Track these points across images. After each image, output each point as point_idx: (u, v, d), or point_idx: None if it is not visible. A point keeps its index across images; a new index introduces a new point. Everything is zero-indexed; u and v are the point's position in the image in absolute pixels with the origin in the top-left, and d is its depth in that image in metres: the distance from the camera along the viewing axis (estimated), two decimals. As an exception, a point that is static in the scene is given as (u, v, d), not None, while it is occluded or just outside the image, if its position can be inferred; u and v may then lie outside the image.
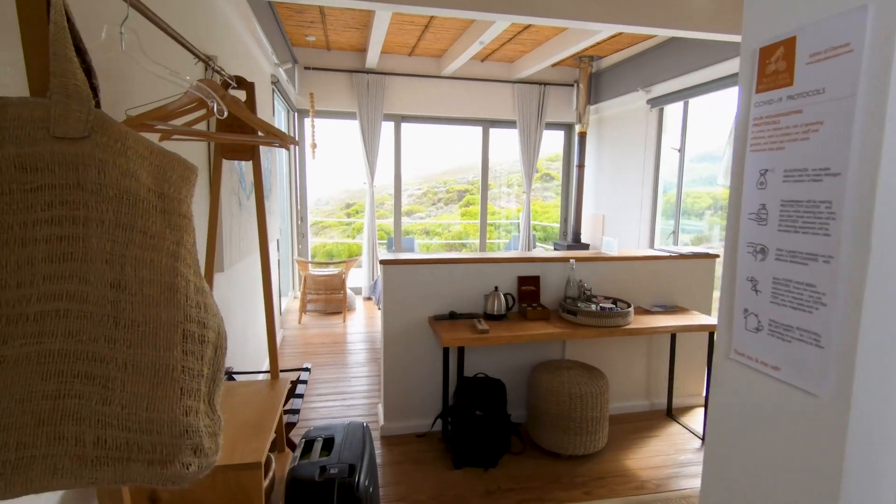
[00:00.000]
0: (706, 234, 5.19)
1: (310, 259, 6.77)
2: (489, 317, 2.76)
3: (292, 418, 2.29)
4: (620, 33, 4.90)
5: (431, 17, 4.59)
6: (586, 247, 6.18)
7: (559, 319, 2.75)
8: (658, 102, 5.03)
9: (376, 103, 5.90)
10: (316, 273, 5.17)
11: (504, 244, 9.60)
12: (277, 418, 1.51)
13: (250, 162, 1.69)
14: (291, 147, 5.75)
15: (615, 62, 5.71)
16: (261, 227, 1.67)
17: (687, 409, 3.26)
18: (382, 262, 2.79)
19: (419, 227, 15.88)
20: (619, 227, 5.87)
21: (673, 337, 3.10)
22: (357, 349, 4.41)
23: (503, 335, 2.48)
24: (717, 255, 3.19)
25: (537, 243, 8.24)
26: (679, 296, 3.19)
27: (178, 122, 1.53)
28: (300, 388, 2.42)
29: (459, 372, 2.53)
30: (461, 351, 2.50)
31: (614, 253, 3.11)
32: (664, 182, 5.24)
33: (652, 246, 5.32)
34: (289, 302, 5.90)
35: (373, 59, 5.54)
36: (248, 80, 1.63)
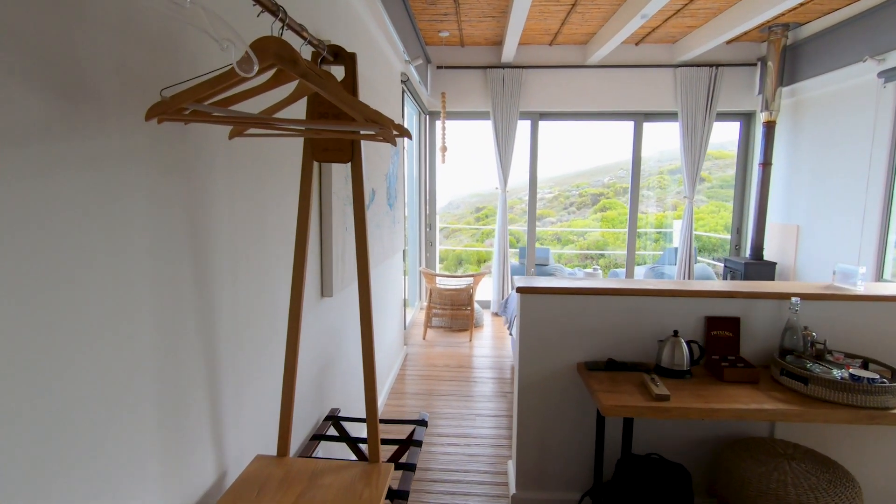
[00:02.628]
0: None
1: (437, 269, 6.46)
2: (664, 372, 2.01)
3: (408, 474, 1.82)
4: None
5: (581, -7, 3.89)
6: (773, 266, 4.89)
7: (775, 385, 1.89)
8: (898, 75, 3.68)
9: (512, 100, 5.35)
10: (442, 286, 4.78)
11: (655, 257, 8.36)
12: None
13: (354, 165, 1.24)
14: (407, 142, 5.47)
15: (824, 27, 4.38)
16: (360, 249, 1.20)
17: (984, 533, 2.11)
18: (519, 290, 2.20)
19: (550, 233, 15.02)
20: (821, 244, 4.51)
21: (965, 422, 2.00)
22: (483, 377, 3.89)
23: (692, 406, 1.73)
24: None
25: (698, 258, 6.94)
26: (973, 358, 2.07)
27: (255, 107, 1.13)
28: (418, 433, 1.94)
29: (625, 444, 1.84)
30: (627, 419, 1.80)
31: (860, 289, 2.12)
32: (903, 183, 3.83)
33: (880, 272, 3.93)
34: (414, 314, 5.63)
35: (510, 51, 5.00)
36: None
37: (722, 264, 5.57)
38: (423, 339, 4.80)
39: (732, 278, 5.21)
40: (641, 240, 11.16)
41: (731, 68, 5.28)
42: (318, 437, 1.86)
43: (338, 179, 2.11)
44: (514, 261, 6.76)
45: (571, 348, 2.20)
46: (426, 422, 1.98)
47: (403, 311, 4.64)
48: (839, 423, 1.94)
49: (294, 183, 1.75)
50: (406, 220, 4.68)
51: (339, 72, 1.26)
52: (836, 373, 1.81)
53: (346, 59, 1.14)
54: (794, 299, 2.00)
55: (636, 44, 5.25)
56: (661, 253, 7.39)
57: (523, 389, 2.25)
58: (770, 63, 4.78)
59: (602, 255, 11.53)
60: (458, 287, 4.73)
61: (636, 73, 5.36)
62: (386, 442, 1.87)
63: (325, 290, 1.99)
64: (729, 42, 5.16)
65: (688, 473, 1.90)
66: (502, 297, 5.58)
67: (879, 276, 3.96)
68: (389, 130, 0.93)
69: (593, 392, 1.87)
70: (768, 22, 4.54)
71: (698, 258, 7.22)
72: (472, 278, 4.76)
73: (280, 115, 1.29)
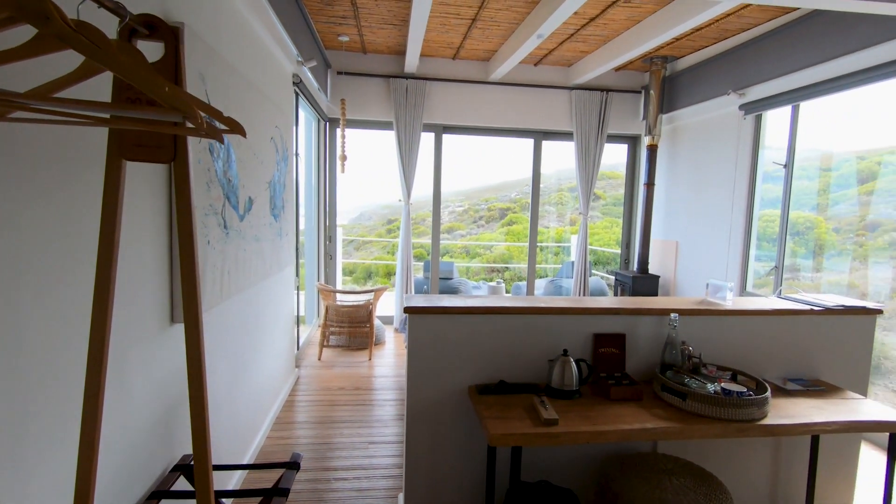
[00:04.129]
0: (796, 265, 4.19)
1: (339, 283, 6.15)
2: (554, 392, 1.95)
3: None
4: (705, 25, 4.05)
5: (479, 9, 3.91)
6: (657, 279, 5.24)
7: (657, 402, 1.91)
8: (754, 108, 4.12)
9: (415, 112, 5.26)
10: (339, 302, 4.50)
11: (555, 270, 8.71)
12: None
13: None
14: (304, 149, 5.17)
15: (696, 62, 4.83)
16: (186, 274, 0.96)
17: (831, 526, 2.31)
18: (407, 310, 2.05)
19: (459, 246, 15.17)
20: (696, 258, 4.92)
21: (815, 425, 2.18)
22: (383, 399, 3.67)
23: (581, 430, 1.67)
24: (880, 311, 2.26)
25: (593, 271, 7.31)
26: (819, 365, 2.27)
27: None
28: (286, 479, 1.68)
29: (514, 473, 1.73)
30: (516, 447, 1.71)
31: (729, 304, 2.25)
32: (760, 203, 4.28)
33: (744, 285, 4.35)
34: (311, 332, 5.26)
35: (412, 62, 4.91)
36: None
37: (614, 277, 5.89)
38: (319, 359, 4.48)
39: (622, 290, 5.51)
40: (543, 253, 11.65)
41: (620, 94, 5.65)
42: (159, 493, 1.54)
43: (198, 184, 1.81)
44: (419, 274, 6.63)
45: (463, 370, 2.08)
46: (298, 464, 1.73)
47: (296, 331, 4.29)
48: (715, 438, 2.01)
49: (135, 186, 1.45)
50: (301, 233, 4.36)
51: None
52: (710, 387, 1.86)
53: (167, 33, 0.91)
54: (672, 315, 2.05)
55: (535, 64, 5.43)
56: (560, 266, 7.69)
57: (413, 417, 2.09)
58: (652, 91, 5.17)
59: (507, 269, 11.85)
60: (356, 303, 4.48)
61: (535, 92, 5.54)
62: (247, 494, 1.60)
63: (175, 314, 1.68)
64: (617, 69, 5.52)
65: (576, 498, 1.85)
66: (404, 313, 5.41)
67: (744, 288, 4.38)
68: (197, 120, 0.72)
69: (482, 419, 1.76)
70: (649, 53, 4.91)
71: (593, 271, 7.62)
72: (372, 293, 4.54)
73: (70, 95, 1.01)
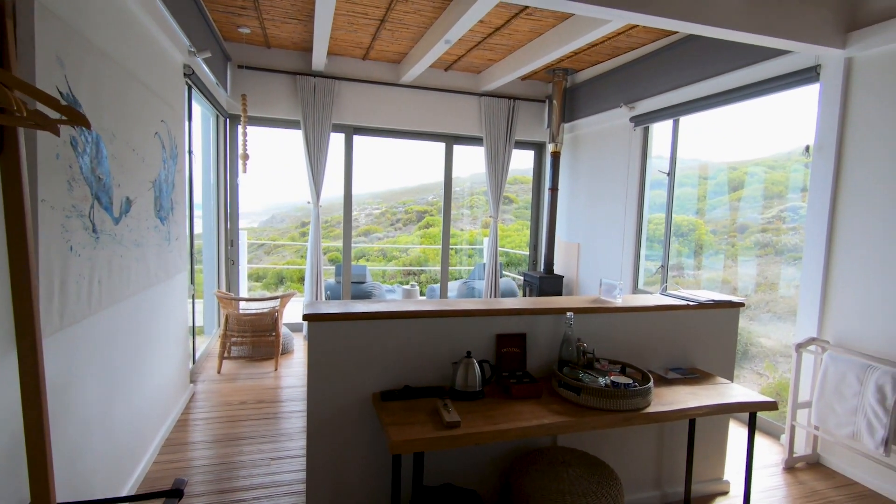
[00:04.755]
0: (678, 263, 4.65)
1: (245, 290, 5.78)
2: (458, 395, 1.97)
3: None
4: (599, 42, 4.35)
5: (387, 10, 3.87)
6: (561, 279, 5.52)
7: (555, 398, 1.99)
8: (643, 120, 4.49)
9: (324, 111, 5.10)
10: (242, 311, 4.22)
11: (466, 271, 8.88)
12: None
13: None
14: (200, 147, 4.84)
15: (593, 76, 5.17)
16: (18, 288, 0.83)
17: (707, 499, 2.55)
18: (307, 317, 1.96)
19: (376, 249, 14.98)
20: (596, 259, 5.26)
21: (692, 410, 2.40)
22: (290, 411, 3.50)
23: (483, 430, 1.69)
24: (743, 304, 2.55)
25: (504, 272, 7.56)
26: (695, 355, 2.51)
27: None
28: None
29: (416, 478, 1.71)
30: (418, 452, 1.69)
31: (619, 301, 2.41)
32: (649, 207, 4.67)
33: (636, 283, 4.72)
34: (210, 344, 4.89)
35: (319, 60, 4.76)
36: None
37: (523, 278, 6.12)
38: (219, 372, 4.16)
39: (530, 290, 5.75)
40: (458, 255, 11.84)
41: (526, 102, 5.89)
42: (3, 542, 1.32)
43: (55, 183, 1.59)
44: (330, 279, 6.44)
45: (367, 377, 2.03)
46: (181, 491, 1.58)
47: (191, 343, 3.96)
48: (605, 429, 2.14)
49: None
50: (197, 237, 4.04)
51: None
52: (601, 381, 1.98)
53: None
54: (568, 314, 2.16)
55: (445, 69, 5.50)
56: (473, 268, 7.86)
57: (314, 429, 1.99)
58: (555, 101, 5.45)
59: (423, 271, 11.89)
60: (260, 311, 4.23)
61: (446, 97, 5.61)
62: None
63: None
64: (523, 78, 5.76)
65: (479, 498, 1.87)
66: (303, 320, 5.21)
67: (636, 286, 4.75)
68: (12, 105, 0.61)
69: (384, 426, 1.72)
70: (552, 65, 5.18)
71: (504, 272, 7.89)
72: (277, 300, 4.32)
73: None
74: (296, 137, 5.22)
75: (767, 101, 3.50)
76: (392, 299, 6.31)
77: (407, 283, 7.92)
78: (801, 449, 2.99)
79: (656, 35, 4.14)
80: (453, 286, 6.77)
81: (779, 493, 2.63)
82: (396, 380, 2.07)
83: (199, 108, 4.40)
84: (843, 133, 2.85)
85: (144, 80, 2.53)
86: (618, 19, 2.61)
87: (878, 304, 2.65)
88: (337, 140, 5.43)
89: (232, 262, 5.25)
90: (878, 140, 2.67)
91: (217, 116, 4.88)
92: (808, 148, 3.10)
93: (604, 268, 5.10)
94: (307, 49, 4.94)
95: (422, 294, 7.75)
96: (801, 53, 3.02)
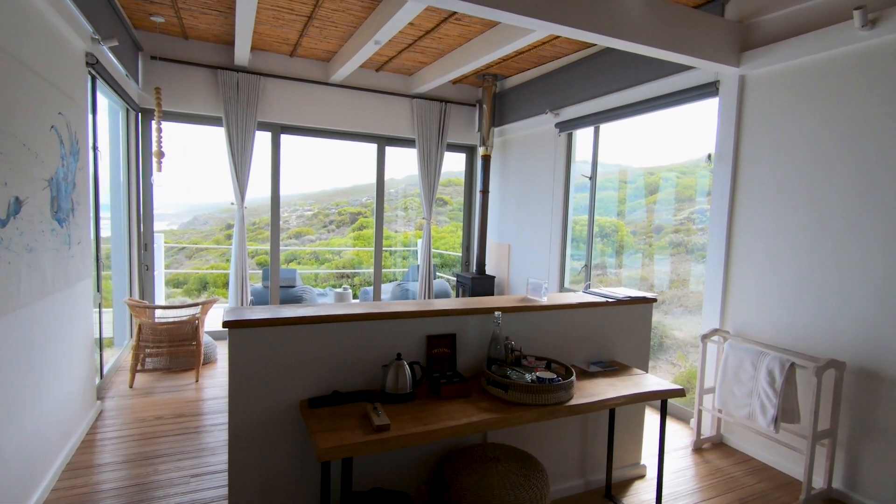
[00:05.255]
0: (601, 262, 4.94)
1: (161, 298, 5.39)
2: (389, 397, 1.96)
3: None
4: (525, 50, 4.52)
5: (315, 7, 3.78)
6: (492, 279, 5.65)
7: (484, 395, 2.04)
8: (567, 127, 4.71)
9: (248, 108, 4.88)
10: (158, 320, 3.94)
11: (402, 273, 8.85)
12: None
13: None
14: (108, 143, 4.49)
15: (521, 82, 5.35)
16: None
17: (626, 484, 2.72)
18: (227, 324, 1.86)
19: (308, 252, 14.53)
20: (526, 259, 5.44)
21: (612, 400, 2.55)
22: (212, 424, 3.30)
23: (412, 432, 1.69)
24: (655, 299, 2.74)
25: (437, 273, 7.61)
26: (614, 348, 2.67)
27: None
28: None
29: (345, 484, 1.68)
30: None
31: (545, 300, 2.51)
32: (573, 209, 4.90)
33: (563, 282, 4.93)
34: (122, 356, 4.51)
35: (243, 54, 4.54)
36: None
37: (455, 279, 6.20)
38: (131, 387, 3.85)
39: (463, 291, 5.83)
40: (393, 257, 11.76)
41: (457, 106, 5.98)
42: None
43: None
44: (258, 283, 6.16)
45: (294, 385, 1.97)
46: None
47: (98, 357, 3.64)
48: (532, 423, 2.22)
49: None
50: (103, 241, 3.71)
51: None
52: (528, 377, 2.05)
53: None
54: (496, 313, 2.21)
55: (376, 70, 5.45)
56: (407, 270, 7.85)
57: (237, 442, 1.90)
58: (485, 105, 5.58)
59: (357, 274, 11.70)
60: (179, 319, 3.97)
61: (377, 98, 5.56)
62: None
63: None
64: (454, 82, 5.84)
65: (410, 500, 1.87)
66: (223, 327, 4.96)
67: (562, 285, 4.96)
68: None
69: (312, 433, 1.68)
70: (481, 70, 5.29)
71: (437, 274, 7.95)
72: (198, 307, 4.07)
73: None
74: (218, 135, 4.96)
75: (677, 111, 3.80)
76: (323, 303, 6.16)
77: (340, 287, 7.76)
78: (708, 431, 3.27)
79: (578, 46, 4.36)
80: (387, 288, 6.72)
81: (688, 473, 2.86)
82: (326, 386, 2.02)
83: (105, 101, 4.05)
84: (738, 142, 3.15)
85: (38, 68, 2.29)
86: (540, 29, 2.72)
87: (770, 297, 2.95)
88: (263, 139, 5.22)
89: (146, 268, 4.87)
90: (767, 149, 2.98)
91: (127, 110, 4.51)
92: (709, 156, 3.39)
93: (533, 268, 5.28)
94: (229, 42, 4.71)
95: (355, 297, 7.62)
96: (703, 70, 3.30)
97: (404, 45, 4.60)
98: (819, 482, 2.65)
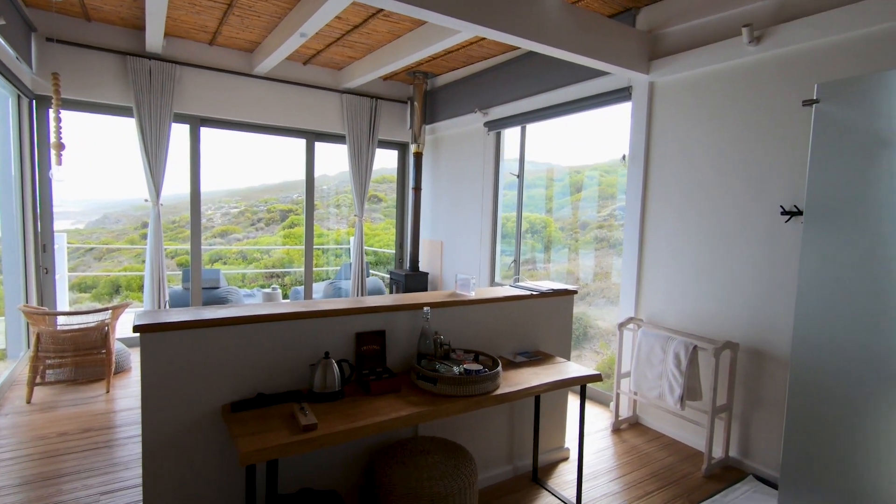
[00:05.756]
0: (530, 258, 5.15)
1: (64, 303, 4.92)
2: (317, 397, 1.93)
3: None
4: (454, 49, 4.59)
5: (236, -6, 3.61)
6: (426, 276, 5.70)
7: (413, 389, 2.07)
8: (495, 126, 4.84)
9: (163, 99, 4.57)
10: (60, 328, 3.60)
11: (334, 272, 8.67)
12: None
13: None
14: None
15: (451, 81, 5.42)
16: None
17: (552, 466, 2.87)
18: (138, 328, 1.76)
19: (235, 251, 13.83)
20: (458, 255, 5.53)
21: (537, 388, 2.68)
22: (125, 437, 3.08)
23: (340, 429, 1.69)
24: (576, 291, 2.91)
25: (371, 271, 7.54)
26: (539, 339, 2.80)
27: None
28: None
29: (270, 487, 1.65)
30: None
31: (472, 294, 2.58)
32: (503, 206, 5.05)
33: (493, 277, 5.07)
34: (19, 369, 4.08)
35: (155, 41, 4.25)
36: None
37: (389, 276, 6.18)
38: (28, 402, 3.50)
39: (397, 288, 5.83)
40: (326, 256, 11.49)
41: (389, 102, 5.95)
42: None
43: None
44: (178, 286, 5.80)
45: (216, 389, 1.89)
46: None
47: (-12, 370, 3.27)
48: (460, 414, 2.28)
49: None
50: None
51: None
52: (456, 369, 2.11)
53: None
54: (425, 309, 2.25)
55: (304, 63, 5.30)
56: (340, 268, 7.72)
57: (151, 454, 1.80)
58: (416, 103, 5.60)
59: (288, 273, 11.32)
60: (85, 325, 3.65)
61: (305, 92, 5.41)
62: None
63: None
64: (385, 78, 5.80)
65: (339, 498, 1.87)
66: (134, 332, 4.65)
67: (493, 279, 5.10)
68: None
69: (234, 438, 1.62)
70: (411, 67, 5.30)
71: (371, 271, 7.87)
72: (108, 312, 3.77)
73: None
74: (130, 126, 4.60)
75: (597, 114, 4.03)
76: (248, 304, 5.92)
77: (269, 287, 7.48)
78: (625, 412, 3.51)
79: (505, 48, 4.49)
80: (319, 287, 6.57)
81: (608, 453, 3.06)
82: (251, 389, 1.96)
83: (-9, 86, 3.64)
84: (649, 145, 3.40)
85: None
86: (465, 30, 2.78)
87: (675, 287, 3.22)
88: (181, 131, 4.91)
89: (45, 271, 4.43)
90: (673, 152, 3.24)
91: (19, 97, 4.07)
92: (624, 156, 3.64)
93: (465, 264, 5.38)
94: (140, 27, 4.38)
95: (286, 297, 7.39)
96: (617, 76, 3.53)
97: (332, 39, 4.51)
98: (718, 452, 2.94)
